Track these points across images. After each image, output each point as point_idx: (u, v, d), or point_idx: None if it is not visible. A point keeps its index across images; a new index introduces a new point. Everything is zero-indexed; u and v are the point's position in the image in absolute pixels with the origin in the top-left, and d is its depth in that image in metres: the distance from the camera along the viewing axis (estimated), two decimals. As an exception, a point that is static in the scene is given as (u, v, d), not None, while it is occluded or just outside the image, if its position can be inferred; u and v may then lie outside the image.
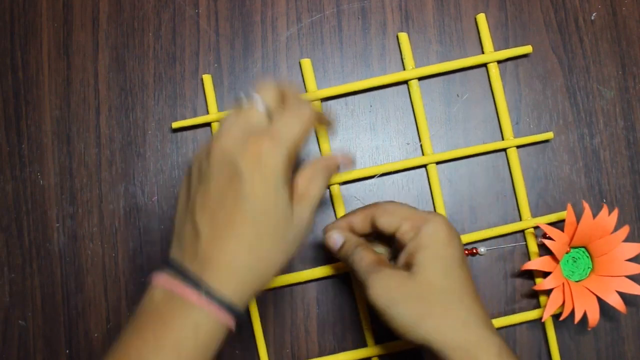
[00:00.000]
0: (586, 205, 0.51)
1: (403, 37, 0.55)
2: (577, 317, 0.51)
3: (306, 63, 0.55)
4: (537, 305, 0.54)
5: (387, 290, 0.42)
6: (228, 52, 0.56)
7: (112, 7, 0.56)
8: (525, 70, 0.56)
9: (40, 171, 0.55)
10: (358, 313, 0.54)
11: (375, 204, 0.47)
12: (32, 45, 0.56)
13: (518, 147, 0.55)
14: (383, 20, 0.56)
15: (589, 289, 0.51)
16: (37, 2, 0.56)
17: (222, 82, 0.56)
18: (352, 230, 0.47)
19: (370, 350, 0.53)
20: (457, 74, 0.56)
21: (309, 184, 0.39)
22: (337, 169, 0.42)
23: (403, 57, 0.55)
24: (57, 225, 0.55)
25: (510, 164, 0.55)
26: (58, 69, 0.56)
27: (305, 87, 0.55)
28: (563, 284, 0.51)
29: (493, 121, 0.56)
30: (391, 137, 0.56)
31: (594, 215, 0.52)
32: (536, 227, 0.54)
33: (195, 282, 0.36)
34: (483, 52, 0.56)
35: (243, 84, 0.56)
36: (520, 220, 0.54)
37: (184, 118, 0.55)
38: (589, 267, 0.53)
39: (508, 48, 0.56)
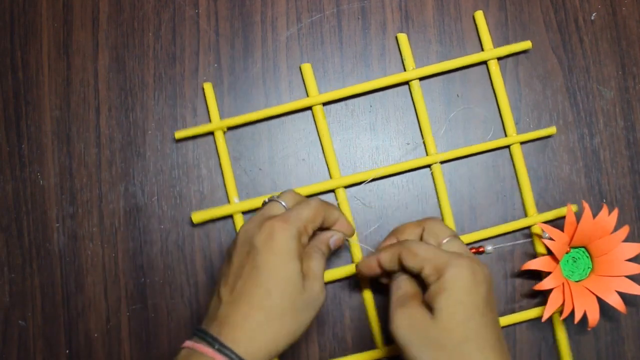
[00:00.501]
0: (586, 205, 0.51)
1: (402, 38, 0.55)
2: (577, 317, 0.51)
3: (306, 68, 0.55)
4: (538, 305, 0.54)
5: (409, 330, 0.41)
6: (228, 52, 0.56)
7: (112, 7, 0.56)
8: (525, 70, 0.56)
9: (40, 171, 0.55)
10: (358, 313, 0.54)
11: (401, 243, 0.45)
12: (32, 45, 0.56)
13: (521, 143, 0.55)
14: (383, 20, 0.56)
15: (588, 289, 0.52)
16: (37, 2, 0.56)
17: (222, 82, 0.56)
18: (382, 268, 0.46)
19: (379, 352, 0.53)
20: (458, 74, 0.56)
21: (309, 261, 0.44)
22: (328, 246, 0.47)
23: (403, 58, 0.55)
24: (57, 225, 0.55)
25: (514, 160, 0.55)
26: (58, 69, 0.56)
27: (306, 92, 0.55)
28: (563, 284, 0.51)
29: (493, 121, 0.56)
30: (391, 137, 0.56)
31: (594, 215, 0.52)
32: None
33: (210, 339, 0.40)
34: (483, 50, 0.56)
35: (243, 84, 0.56)
36: (526, 216, 0.54)
37: (184, 118, 0.55)
38: (588, 267, 0.53)
39: (508, 48, 0.56)
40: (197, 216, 0.53)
